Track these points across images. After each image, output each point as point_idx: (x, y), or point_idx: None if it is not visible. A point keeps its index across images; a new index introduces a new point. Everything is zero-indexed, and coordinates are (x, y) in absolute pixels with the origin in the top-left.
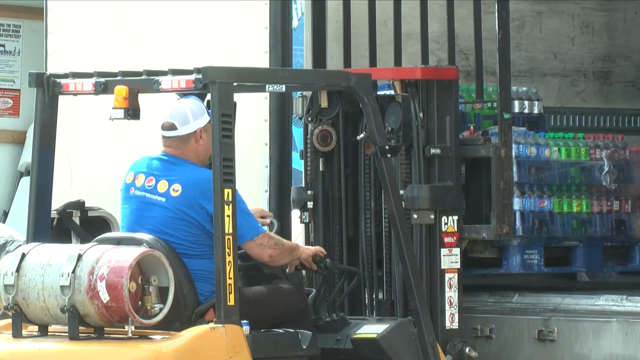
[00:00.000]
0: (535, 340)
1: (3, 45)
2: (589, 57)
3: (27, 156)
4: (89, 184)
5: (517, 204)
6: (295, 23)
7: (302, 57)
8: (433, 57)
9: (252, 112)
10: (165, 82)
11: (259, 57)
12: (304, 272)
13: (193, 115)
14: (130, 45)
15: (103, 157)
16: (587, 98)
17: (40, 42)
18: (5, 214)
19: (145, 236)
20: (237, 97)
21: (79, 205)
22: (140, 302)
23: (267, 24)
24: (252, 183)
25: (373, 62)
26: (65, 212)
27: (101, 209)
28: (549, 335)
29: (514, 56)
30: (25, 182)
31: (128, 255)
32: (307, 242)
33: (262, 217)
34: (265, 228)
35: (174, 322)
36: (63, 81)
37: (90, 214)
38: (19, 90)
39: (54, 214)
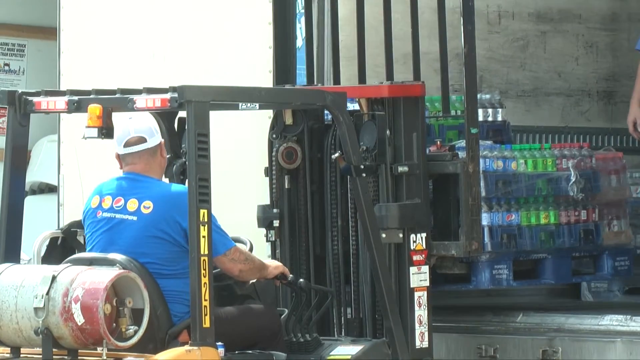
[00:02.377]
0: None
1: (8, 65)
2: (593, 76)
3: (31, 176)
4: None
5: (485, 219)
6: (299, 43)
7: (304, 77)
8: (438, 76)
9: (257, 123)
10: (140, 101)
11: (263, 76)
12: (279, 289)
13: (155, 129)
14: (139, 64)
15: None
16: (592, 117)
17: (44, 62)
18: None
19: (118, 256)
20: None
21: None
22: (114, 324)
23: (271, 44)
24: (256, 196)
25: (337, 79)
26: (70, 231)
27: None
28: (554, 355)
29: (518, 76)
30: (30, 202)
31: (103, 277)
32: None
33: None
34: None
35: (147, 344)
36: (35, 99)
37: None
38: None
39: (58, 233)
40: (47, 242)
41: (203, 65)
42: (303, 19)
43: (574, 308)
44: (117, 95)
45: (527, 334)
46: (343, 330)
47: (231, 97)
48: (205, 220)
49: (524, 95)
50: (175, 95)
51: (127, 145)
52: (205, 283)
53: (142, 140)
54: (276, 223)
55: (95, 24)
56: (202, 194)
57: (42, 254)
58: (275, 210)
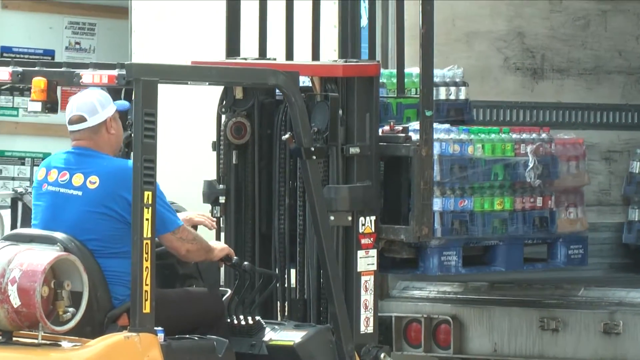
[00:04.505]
0: (601, 334)
1: (79, 43)
2: None
3: None
4: (175, 179)
5: (436, 204)
6: (363, 22)
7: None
8: (500, 55)
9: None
10: (87, 76)
11: (328, 55)
12: (222, 271)
13: (101, 105)
14: (208, 41)
15: (189, 153)
16: None
17: (113, 40)
18: None
19: (59, 235)
20: None
21: None
22: (52, 307)
23: (337, 23)
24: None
25: (290, 55)
26: None
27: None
28: (615, 328)
29: (579, 54)
30: None
31: (42, 259)
32: (218, 238)
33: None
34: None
35: (85, 326)
36: None
37: None
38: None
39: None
40: None
41: (270, 43)
42: None
43: (635, 282)
44: (63, 69)
45: (588, 307)
46: (286, 312)
47: (181, 76)
48: (150, 202)
49: (585, 74)
50: (123, 72)
51: (69, 122)
52: (147, 267)
53: (82, 119)
54: (222, 199)
55: (164, 3)
56: (147, 175)
57: None
58: (221, 186)
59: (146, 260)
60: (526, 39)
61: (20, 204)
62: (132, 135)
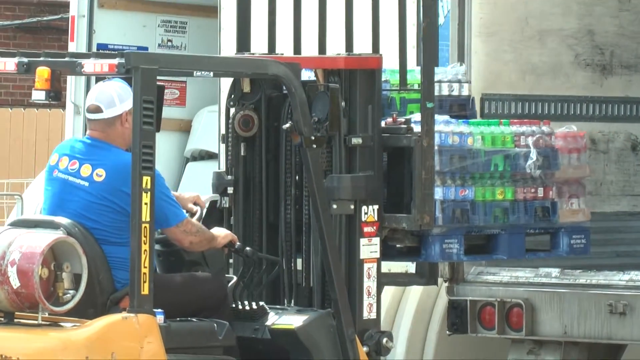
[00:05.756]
0: None
1: (171, 41)
2: None
3: (192, 143)
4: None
5: (438, 193)
6: (441, 20)
7: (448, 52)
8: (571, 51)
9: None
10: (88, 65)
11: (408, 52)
12: (231, 259)
13: (119, 98)
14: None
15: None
16: None
17: (204, 38)
18: None
19: (64, 220)
20: None
21: None
22: (52, 288)
23: (415, 21)
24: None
25: (298, 49)
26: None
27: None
28: None
29: None
30: (191, 168)
31: (41, 241)
32: (228, 228)
33: (195, 204)
34: (187, 215)
35: (88, 309)
36: None
37: None
38: (185, 81)
39: (215, 198)
40: (207, 205)
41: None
42: None
43: None
44: (66, 59)
45: None
46: (292, 299)
47: (179, 65)
48: (148, 187)
49: None
50: (123, 60)
51: (87, 110)
52: (145, 250)
53: (99, 109)
54: (230, 190)
55: (253, 1)
56: (145, 161)
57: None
58: (229, 177)
59: (145, 244)
60: (596, 37)
61: None
62: (132, 123)
